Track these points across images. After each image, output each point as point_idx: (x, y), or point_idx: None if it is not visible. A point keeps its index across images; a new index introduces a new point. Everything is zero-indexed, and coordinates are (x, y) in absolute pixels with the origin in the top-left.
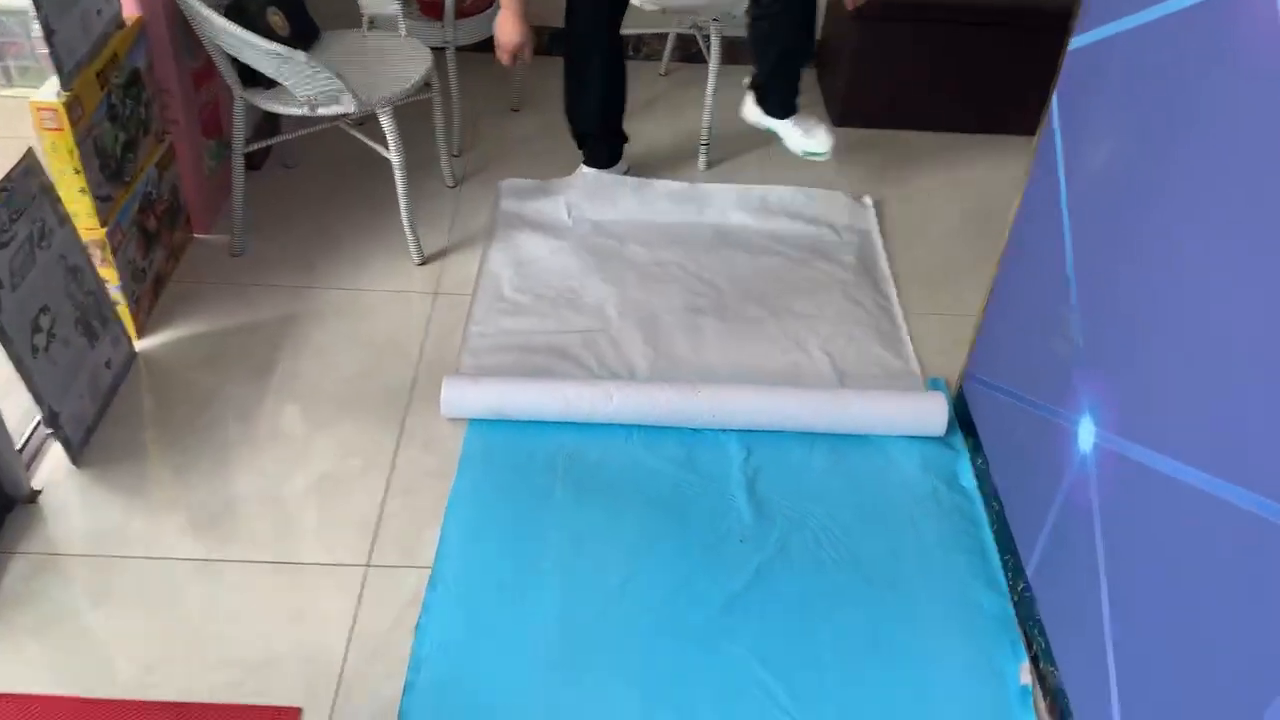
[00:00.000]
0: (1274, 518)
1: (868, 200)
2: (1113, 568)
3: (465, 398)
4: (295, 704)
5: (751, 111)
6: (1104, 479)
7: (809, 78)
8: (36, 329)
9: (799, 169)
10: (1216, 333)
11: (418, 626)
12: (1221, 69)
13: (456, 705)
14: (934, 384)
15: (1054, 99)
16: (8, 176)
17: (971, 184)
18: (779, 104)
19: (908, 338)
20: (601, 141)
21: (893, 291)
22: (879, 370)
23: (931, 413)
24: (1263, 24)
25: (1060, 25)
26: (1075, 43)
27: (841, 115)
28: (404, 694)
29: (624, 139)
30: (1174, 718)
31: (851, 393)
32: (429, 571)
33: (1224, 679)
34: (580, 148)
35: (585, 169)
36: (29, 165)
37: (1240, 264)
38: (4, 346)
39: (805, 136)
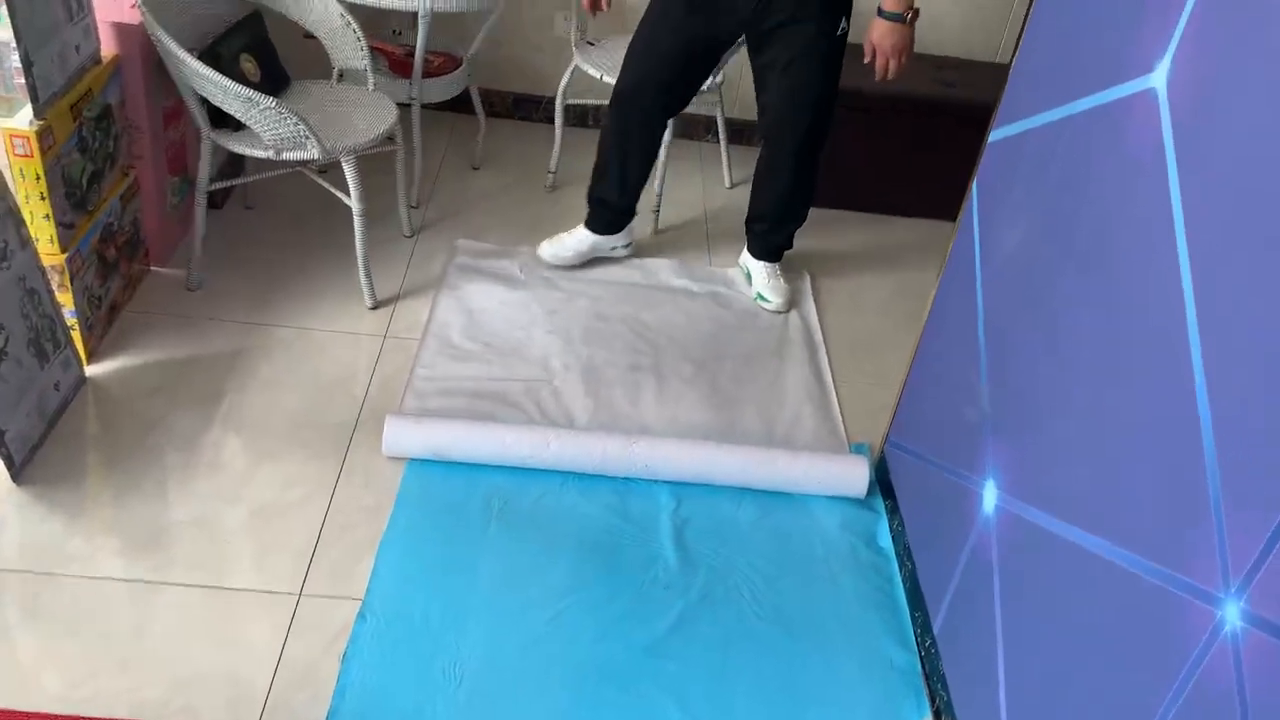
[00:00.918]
0: (1136, 569)
1: (805, 274)
2: (1007, 623)
3: (406, 437)
4: None
5: (744, 256)
6: (1003, 539)
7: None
8: None
9: (740, 242)
10: (1099, 404)
11: (344, 655)
12: (1115, 159)
13: None
14: (857, 448)
15: (973, 185)
16: None
17: (903, 263)
18: (762, 248)
19: (836, 402)
20: (616, 212)
21: (824, 359)
22: (807, 432)
23: (853, 475)
24: (1149, 126)
25: (983, 119)
26: (994, 135)
27: None
28: (329, 717)
29: (632, 215)
30: None
31: (779, 452)
32: (359, 603)
33: None
34: (589, 207)
35: (582, 230)
36: None
37: (1122, 340)
38: None
39: (766, 284)
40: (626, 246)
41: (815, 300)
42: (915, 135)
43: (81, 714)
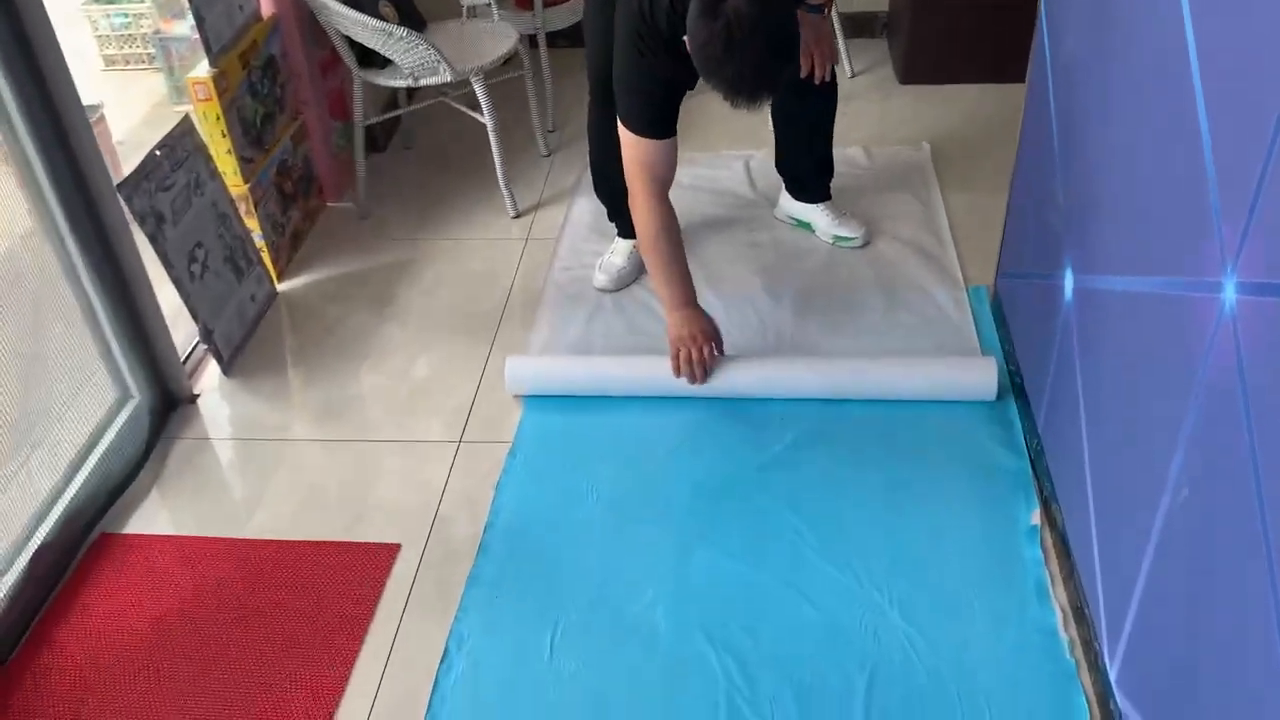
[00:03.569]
0: (1167, 289)
1: (924, 145)
2: (1086, 383)
3: (524, 377)
4: (395, 541)
5: (785, 201)
6: (1080, 314)
7: (878, 45)
8: (193, 259)
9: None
10: (1133, 171)
11: (498, 484)
12: None
13: (526, 541)
14: (975, 291)
15: (1041, 5)
16: (169, 135)
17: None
18: (814, 191)
19: (951, 244)
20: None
21: (941, 207)
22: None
23: (983, 379)
24: None
25: None
26: None
27: (904, 73)
28: (484, 532)
29: None
30: (1121, 500)
31: (909, 361)
32: (510, 444)
33: (1144, 451)
34: (613, 219)
35: (620, 241)
36: (186, 127)
37: (1145, 113)
38: (167, 270)
39: (837, 223)
40: None
41: (935, 166)
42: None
43: (287, 538)
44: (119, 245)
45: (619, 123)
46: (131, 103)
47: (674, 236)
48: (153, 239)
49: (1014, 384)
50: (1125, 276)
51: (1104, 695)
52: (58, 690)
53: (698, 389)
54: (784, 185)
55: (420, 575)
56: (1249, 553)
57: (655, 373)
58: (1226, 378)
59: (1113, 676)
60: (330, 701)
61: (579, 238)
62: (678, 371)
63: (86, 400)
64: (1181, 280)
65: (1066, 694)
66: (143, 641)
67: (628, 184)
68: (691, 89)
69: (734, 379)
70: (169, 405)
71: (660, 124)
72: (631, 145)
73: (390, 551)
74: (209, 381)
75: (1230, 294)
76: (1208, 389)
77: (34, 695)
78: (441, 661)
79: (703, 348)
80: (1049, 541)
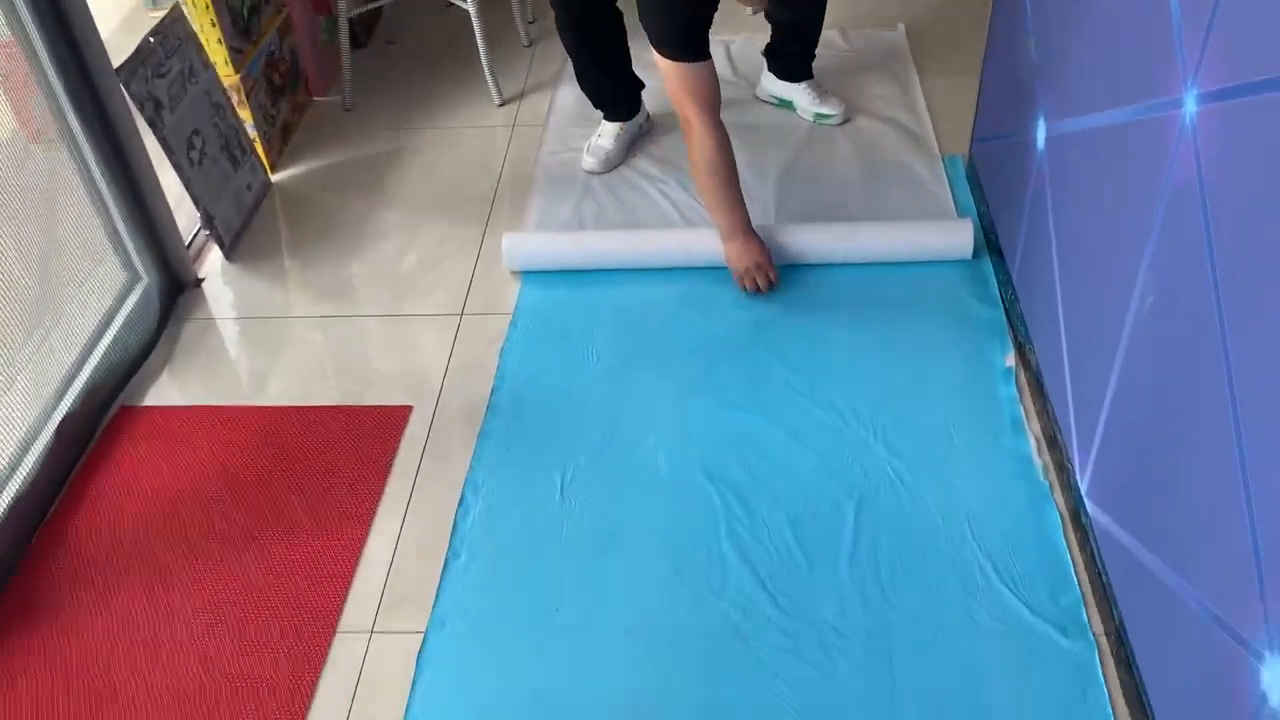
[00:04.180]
0: (1135, 116)
1: (900, 26)
2: (1058, 224)
3: (522, 253)
4: (407, 404)
5: (767, 81)
6: (1052, 161)
7: None
8: (191, 146)
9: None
10: (1100, 9)
11: (501, 351)
12: None
13: (532, 400)
14: (951, 160)
15: None
16: (161, 23)
17: None
18: (798, 68)
19: (928, 119)
20: (620, 98)
21: (917, 85)
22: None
23: (959, 239)
24: None
25: None
26: None
27: None
28: (491, 394)
29: (640, 85)
30: (1087, 333)
31: (888, 223)
32: (510, 315)
33: (1108, 275)
34: (599, 106)
35: (606, 124)
36: (177, 14)
37: None
38: (168, 155)
39: (817, 101)
40: (648, 119)
41: (910, 44)
42: None
43: (298, 404)
44: (123, 130)
45: (655, 53)
46: (104, 16)
47: (730, 161)
48: (152, 124)
49: (989, 241)
50: (1093, 114)
51: (1075, 508)
52: (92, 549)
53: (692, 259)
54: (766, 66)
55: (433, 433)
56: (1207, 353)
57: (649, 244)
58: (1188, 186)
59: (1083, 489)
60: (356, 545)
61: (565, 123)
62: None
63: (99, 282)
64: (1145, 104)
65: (1041, 511)
66: (170, 501)
67: (678, 111)
68: (716, 7)
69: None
70: (176, 289)
71: (697, 45)
72: (674, 73)
73: (403, 413)
74: (212, 267)
75: (1191, 106)
76: (1171, 198)
77: (72, 552)
78: (459, 506)
79: (767, 273)
80: (1023, 381)
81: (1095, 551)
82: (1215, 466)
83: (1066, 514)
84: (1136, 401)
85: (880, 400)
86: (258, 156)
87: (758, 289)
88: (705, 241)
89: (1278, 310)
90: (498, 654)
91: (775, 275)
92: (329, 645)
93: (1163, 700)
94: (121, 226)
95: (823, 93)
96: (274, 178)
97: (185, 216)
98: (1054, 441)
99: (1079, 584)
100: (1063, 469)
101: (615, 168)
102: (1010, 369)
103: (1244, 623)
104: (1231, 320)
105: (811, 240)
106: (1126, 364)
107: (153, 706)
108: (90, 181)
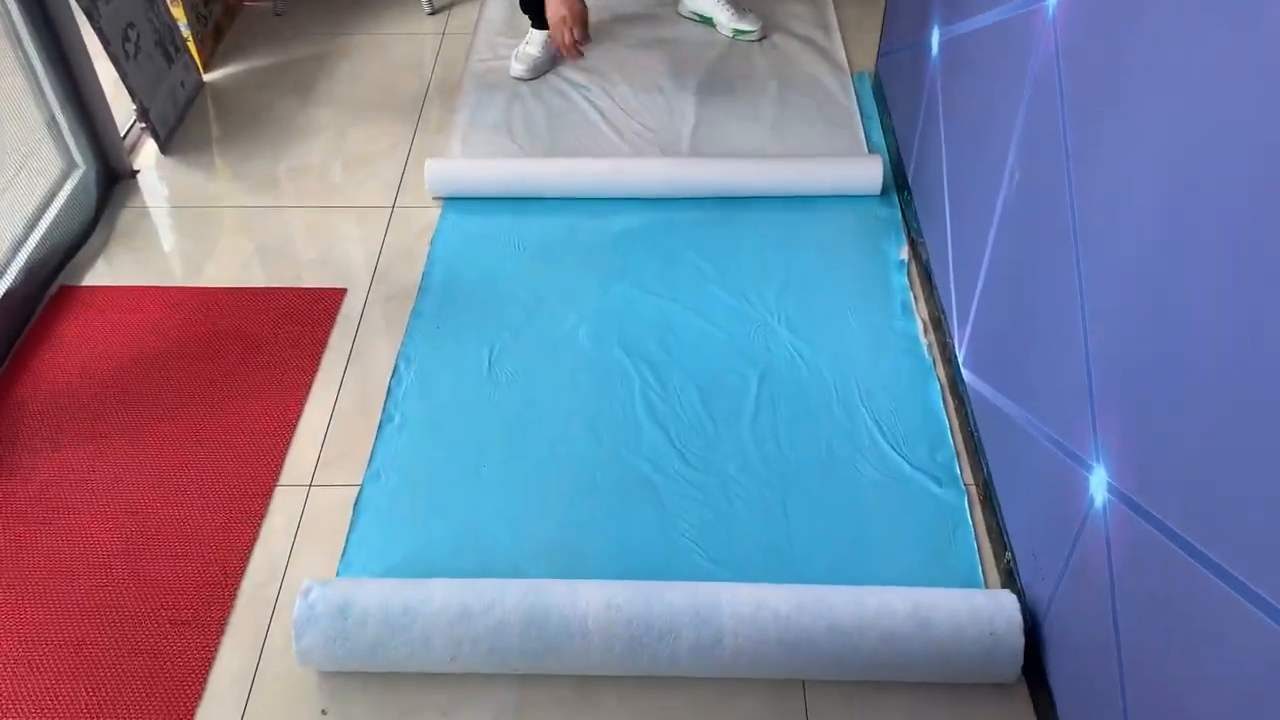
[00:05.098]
0: (1013, 12)
1: None
2: (947, 123)
3: (445, 179)
4: (341, 286)
5: (693, 4)
6: (943, 65)
7: None
8: (126, 39)
9: None
10: None
11: (432, 240)
12: None
13: (462, 283)
14: (859, 77)
15: None
16: None
17: None
18: None
19: (839, 37)
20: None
21: (830, 6)
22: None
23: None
24: None
25: None
26: None
27: None
28: (422, 279)
29: None
30: (969, 227)
31: (803, 160)
32: (440, 209)
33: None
34: (526, 12)
35: (535, 32)
36: None
37: None
38: (105, 46)
39: (736, 18)
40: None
41: None
42: None
43: (238, 285)
44: (60, 18)
45: None
46: None
47: None
48: (89, 14)
49: (889, 148)
50: (977, 16)
51: (954, 379)
52: (35, 412)
53: (615, 190)
54: None
55: (367, 312)
56: (1058, 214)
57: (573, 172)
58: (1047, 70)
59: (960, 359)
60: (294, 411)
61: (494, 32)
62: (561, 52)
63: (36, 166)
64: (1018, 1)
65: (924, 383)
66: (113, 371)
67: None
68: None
69: (646, 181)
70: (112, 178)
71: None
72: None
73: (337, 295)
74: (147, 160)
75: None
76: (1034, 82)
77: (15, 417)
78: (392, 376)
79: (573, 29)
80: (915, 273)
81: (970, 414)
82: (1061, 313)
83: (946, 384)
84: (1003, 275)
85: (784, 288)
86: (191, 55)
87: (565, 50)
88: (626, 172)
89: (1115, 168)
90: (429, 502)
91: (582, 35)
92: (269, 498)
93: (1017, 526)
94: (59, 114)
95: (741, 10)
96: (206, 77)
97: (121, 111)
98: (939, 323)
99: (954, 443)
100: (945, 346)
101: (543, 75)
102: (903, 261)
103: (1078, 441)
104: (1078, 180)
105: (731, 177)
106: (997, 241)
107: (89, 546)
108: (29, 69)
